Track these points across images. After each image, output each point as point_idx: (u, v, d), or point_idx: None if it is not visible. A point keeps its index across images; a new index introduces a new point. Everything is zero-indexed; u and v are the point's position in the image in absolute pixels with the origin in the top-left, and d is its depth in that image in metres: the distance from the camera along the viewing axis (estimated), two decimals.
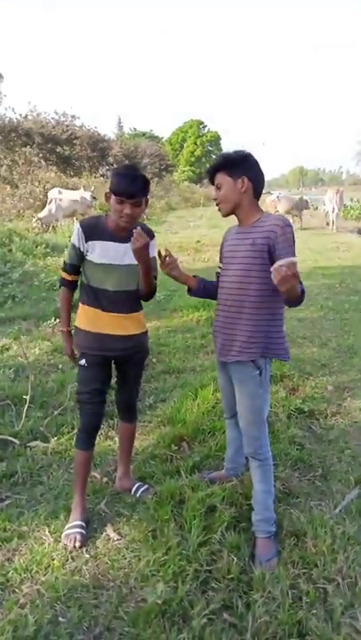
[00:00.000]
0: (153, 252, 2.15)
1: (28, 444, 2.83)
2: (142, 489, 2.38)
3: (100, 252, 2.08)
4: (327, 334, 5.01)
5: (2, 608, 1.75)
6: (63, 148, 23.09)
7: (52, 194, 12.58)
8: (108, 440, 2.93)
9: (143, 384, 3.71)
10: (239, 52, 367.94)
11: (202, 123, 58.98)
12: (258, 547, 2.00)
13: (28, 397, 3.08)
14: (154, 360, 4.19)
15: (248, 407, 2.00)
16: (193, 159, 54.69)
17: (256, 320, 1.93)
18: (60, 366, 3.97)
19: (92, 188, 13.86)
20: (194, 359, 4.24)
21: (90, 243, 2.08)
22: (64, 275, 2.25)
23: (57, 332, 4.81)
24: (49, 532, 2.14)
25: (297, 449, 2.77)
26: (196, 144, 56.29)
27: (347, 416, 3.26)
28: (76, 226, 2.14)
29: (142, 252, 1.96)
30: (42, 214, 12.06)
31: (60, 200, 12.27)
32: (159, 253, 2.05)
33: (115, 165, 23.29)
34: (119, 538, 2.09)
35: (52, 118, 23.70)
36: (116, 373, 2.36)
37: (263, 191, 2.06)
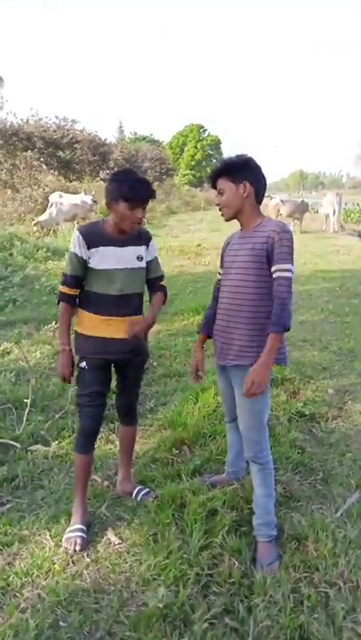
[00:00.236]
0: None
1: (29, 448, 2.83)
2: (143, 492, 2.37)
3: (101, 258, 2.08)
4: (328, 338, 5.01)
5: (3, 612, 1.74)
6: (64, 153, 23.18)
7: (53, 197, 12.62)
8: (109, 444, 2.93)
9: (144, 387, 3.71)
10: (239, 53, 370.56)
11: (202, 127, 59.21)
12: (259, 551, 1.99)
13: (28, 401, 3.08)
14: (155, 364, 4.19)
15: (248, 411, 2.00)
16: (193, 163, 54.86)
17: (254, 324, 1.93)
18: None
19: (93, 192, 13.89)
20: None
21: (92, 250, 2.06)
22: (64, 289, 2.13)
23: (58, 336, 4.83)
24: (50, 536, 2.13)
25: (298, 452, 2.77)
26: (196, 148, 56.48)
27: (348, 419, 3.25)
28: (76, 234, 2.09)
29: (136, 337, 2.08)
30: (42, 218, 12.09)
31: (61, 204, 12.30)
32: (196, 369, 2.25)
33: (115, 169, 23.38)
34: (120, 542, 2.09)
35: (53, 122, 23.82)
36: (116, 377, 2.36)
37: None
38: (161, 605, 1.68)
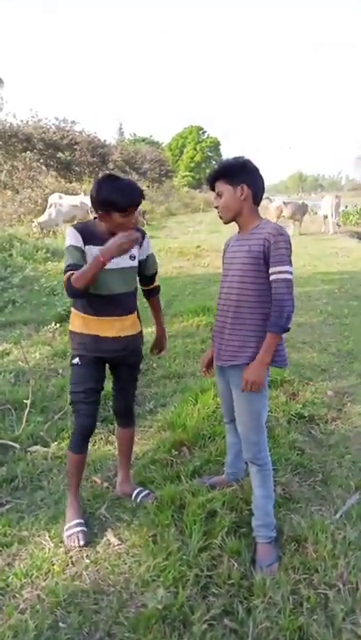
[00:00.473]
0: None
1: (29, 449, 2.83)
2: (143, 494, 2.38)
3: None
4: (327, 339, 5.02)
5: (2, 613, 1.74)
6: (64, 154, 23.21)
7: (53, 199, 12.64)
8: (109, 445, 2.93)
9: (143, 389, 3.71)
10: (239, 53, 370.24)
11: (201, 128, 59.35)
12: (258, 552, 2.00)
13: (28, 402, 3.08)
14: (154, 365, 4.19)
15: (246, 412, 2.01)
16: (193, 165, 54.94)
17: (250, 325, 1.94)
18: (61, 371, 3.97)
19: None
20: (194, 364, 4.24)
21: (87, 247, 2.05)
22: (69, 274, 1.97)
23: (57, 337, 4.83)
24: (49, 536, 2.13)
25: (297, 454, 2.77)
26: (195, 150, 56.58)
27: (347, 421, 3.26)
28: (72, 230, 2.07)
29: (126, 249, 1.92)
30: (41, 219, 12.11)
31: (60, 205, 12.32)
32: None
33: (115, 170, 23.39)
34: (119, 543, 2.09)
35: (53, 124, 23.86)
36: (111, 379, 2.36)
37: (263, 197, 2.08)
38: (160, 606, 1.68)
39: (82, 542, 2.05)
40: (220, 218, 2.06)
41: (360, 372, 4.11)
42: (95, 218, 2.11)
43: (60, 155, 23.00)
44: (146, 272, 2.30)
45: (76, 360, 2.16)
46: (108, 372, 2.30)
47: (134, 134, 48.00)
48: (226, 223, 2.07)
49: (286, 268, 1.85)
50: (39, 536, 2.14)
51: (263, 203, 2.12)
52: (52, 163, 22.34)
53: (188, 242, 12.92)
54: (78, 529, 2.10)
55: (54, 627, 1.69)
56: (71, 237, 2.06)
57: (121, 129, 48.40)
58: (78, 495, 2.27)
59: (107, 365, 2.28)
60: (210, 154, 57.26)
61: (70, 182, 19.97)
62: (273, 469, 2.13)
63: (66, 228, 11.97)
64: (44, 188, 15.87)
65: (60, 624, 1.70)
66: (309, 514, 2.27)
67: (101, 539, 2.13)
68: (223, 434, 2.72)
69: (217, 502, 2.23)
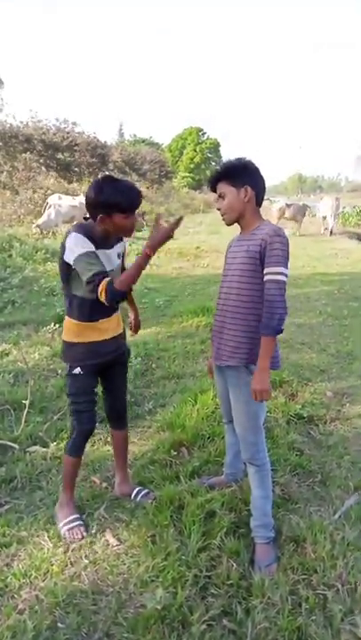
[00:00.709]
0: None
1: (28, 449, 2.83)
2: (142, 494, 2.38)
3: None
4: (326, 340, 5.02)
5: (0, 614, 1.74)
6: (63, 155, 23.21)
7: (52, 200, 12.64)
8: (107, 445, 2.93)
9: (142, 389, 3.72)
10: (239, 54, 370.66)
11: (201, 130, 59.39)
12: (257, 552, 2.00)
13: (27, 402, 3.08)
14: (153, 365, 4.19)
15: (244, 412, 2.01)
16: (192, 166, 54.94)
17: (247, 325, 1.94)
18: (60, 371, 3.97)
19: None
20: (193, 364, 4.24)
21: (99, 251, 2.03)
22: (105, 282, 1.86)
23: (56, 337, 4.83)
24: (48, 537, 2.13)
25: (296, 454, 2.77)
26: (195, 151, 56.59)
27: (346, 422, 3.26)
28: (79, 236, 1.95)
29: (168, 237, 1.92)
30: (40, 221, 12.11)
31: (60, 206, 12.32)
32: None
33: (115, 171, 23.41)
34: (118, 543, 2.09)
35: (53, 125, 23.86)
36: (101, 383, 2.33)
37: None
38: (159, 607, 1.68)
39: (85, 534, 2.10)
40: (223, 219, 2.05)
41: (359, 372, 4.11)
42: (86, 219, 2.06)
43: (59, 155, 23.00)
44: (124, 265, 2.30)
45: (78, 370, 2.13)
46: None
47: (134, 135, 48.09)
48: (228, 225, 2.06)
49: (280, 269, 1.82)
50: (38, 536, 2.14)
51: (264, 204, 2.11)
52: (51, 163, 22.33)
53: (188, 243, 12.94)
54: (78, 522, 2.15)
55: (53, 627, 1.69)
56: (83, 243, 1.93)
57: (121, 130, 48.52)
58: (73, 493, 2.30)
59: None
60: (210, 155, 57.28)
61: (70, 183, 19.97)
62: (272, 470, 2.13)
63: (65, 229, 12.00)
64: (47, 189, 15.88)
65: (59, 624, 1.70)
66: (308, 514, 2.27)
67: (100, 539, 2.13)
68: (222, 434, 2.73)
69: (216, 503, 2.23)
